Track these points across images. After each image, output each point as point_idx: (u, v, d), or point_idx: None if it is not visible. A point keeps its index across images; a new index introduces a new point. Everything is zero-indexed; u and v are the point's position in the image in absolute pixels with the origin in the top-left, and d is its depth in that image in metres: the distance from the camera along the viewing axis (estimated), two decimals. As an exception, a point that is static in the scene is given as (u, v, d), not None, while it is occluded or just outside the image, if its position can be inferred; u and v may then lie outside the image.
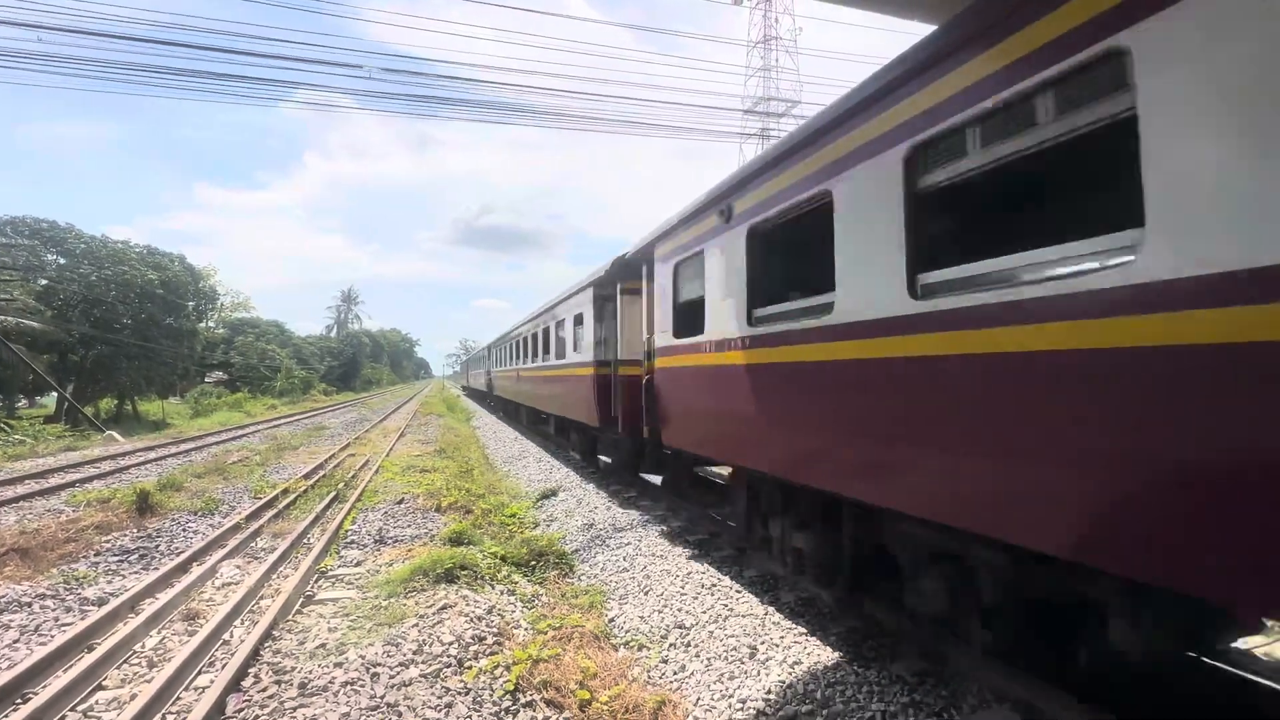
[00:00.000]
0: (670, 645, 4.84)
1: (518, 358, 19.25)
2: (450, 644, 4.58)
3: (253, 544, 7.61)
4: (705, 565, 6.29)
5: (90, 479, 12.02)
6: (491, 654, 4.54)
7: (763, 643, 4.56)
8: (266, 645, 4.69)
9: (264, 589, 5.94)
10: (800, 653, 4.35)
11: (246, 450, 16.60)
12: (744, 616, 4.99)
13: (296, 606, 5.51)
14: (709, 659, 4.51)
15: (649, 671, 4.57)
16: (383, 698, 3.87)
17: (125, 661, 4.53)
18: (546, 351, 14.26)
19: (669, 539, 7.30)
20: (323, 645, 4.64)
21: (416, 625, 4.88)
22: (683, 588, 5.74)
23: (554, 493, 10.71)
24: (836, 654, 4.31)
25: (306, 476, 12.08)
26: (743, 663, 4.36)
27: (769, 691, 3.95)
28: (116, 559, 7.07)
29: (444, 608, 5.22)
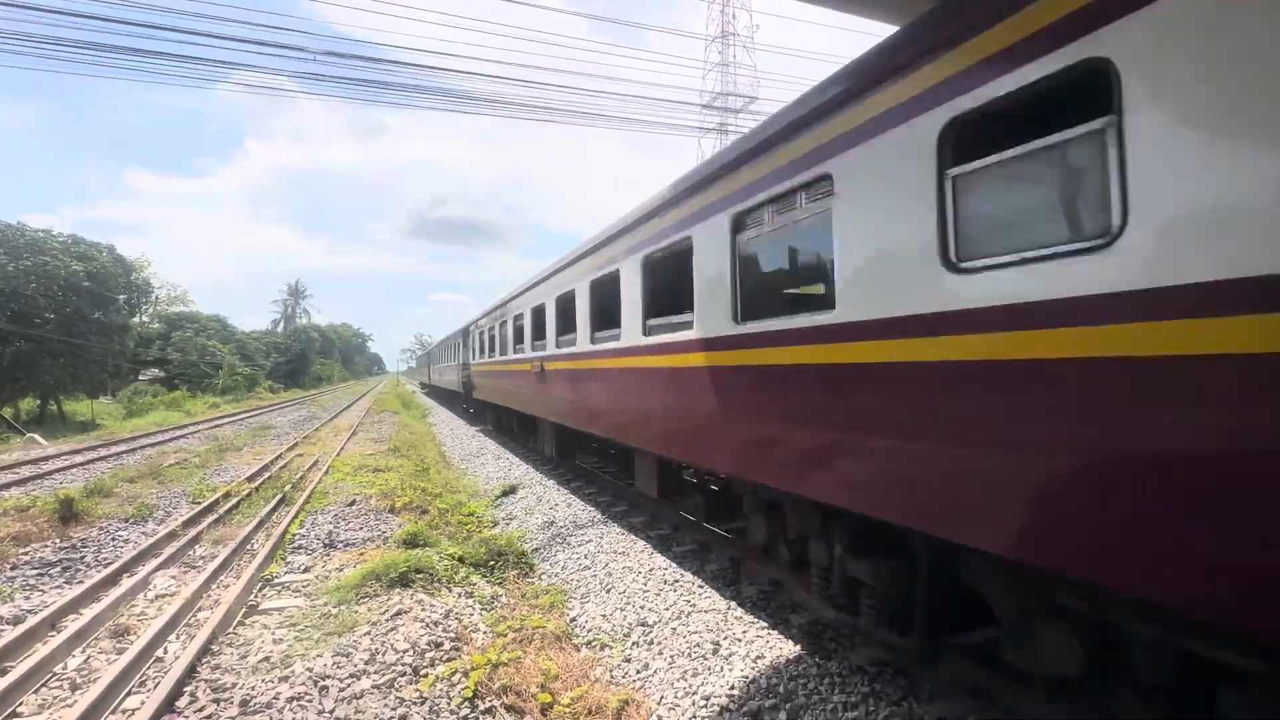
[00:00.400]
0: (633, 644, 4.78)
1: (538, 337, 10.41)
2: (405, 651, 4.40)
3: (190, 552, 7.18)
4: (667, 561, 6.26)
5: (7, 486, 11.16)
6: (449, 660, 4.39)
7: (725, 638, 4.55)
8: (204, 661, 4.41)
9: (202, 600, 5.60)
10: (763, 647, 4.36)
11: (185, 452, 15.74)
12: (706, 612, 4.97)
13: (238, 618, 5.21)
14: (672, 656, 4.47)
15: (612, 671, 4.50)
16: (332, 712, 3.68)
17: (44, 685, 4.18)
18: (663, 306, 6.02)
19: (631, 535, 7.24)
20: (267, 658, 4.39)
21: (369, 633, 4.68)
22: (645, 584, 5.69)
23: (513, 490, 10.52)
24: (798, 647, 4.33)
25: (250, 479, 11.52)
26: (706, 659, 4.34)
27: (732, 687, 3.94)
28: (35, 573, 6.55)
29: (398, 613, 5.02)
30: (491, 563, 6.77)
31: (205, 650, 4.54)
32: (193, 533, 7.74)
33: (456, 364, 24.04)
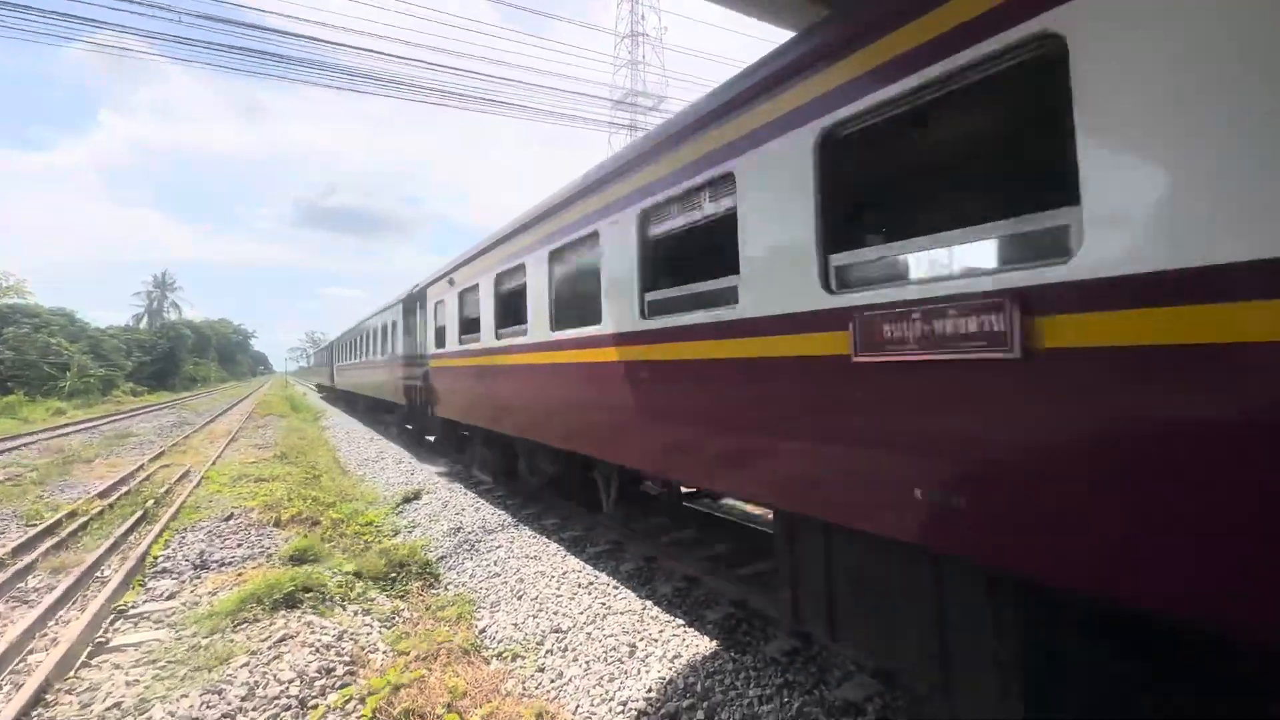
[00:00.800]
0: (547, 652, 4.60)
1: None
2: (291, 681, 3.97)
3: (21, 584, 6.15)
4: (581, 563, 6.11)
5: None
6: (342, 687, 4.01)
7: (642, 639, 4.48)
8: (35, 714, 3.75)
9: (34, 640, 4.78)
10: (679, 645, 4.32)
11: (17, 466, 13.58)
12: (622, 614, 4.88)
13: (82, 658, 4.49)
14: (588, 662, 4.34)
15: (524, 683, 4.29)
16: (199, 760, 3.23)
17: None
18: None
19: (543, 537, 7.02)
20: (117, 704, 3.80)
21: (247, 665, 4.18)
22: (558, 589, 5.51)
23: (417, 495, 9.93)
24: (714, 642, 4.34)
25: (103, 494, 10.11)
26: (622, 662, 4.24)
27: (650, 690, 3.86)
28: None
29: (283, 639, 4.53)
30: (392, 575, 6.32)
31: (37, 700, 3.86)
32: (25, 561, 6.63)
33: (389, 359, 14.98)
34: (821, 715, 3.46)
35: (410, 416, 14.38)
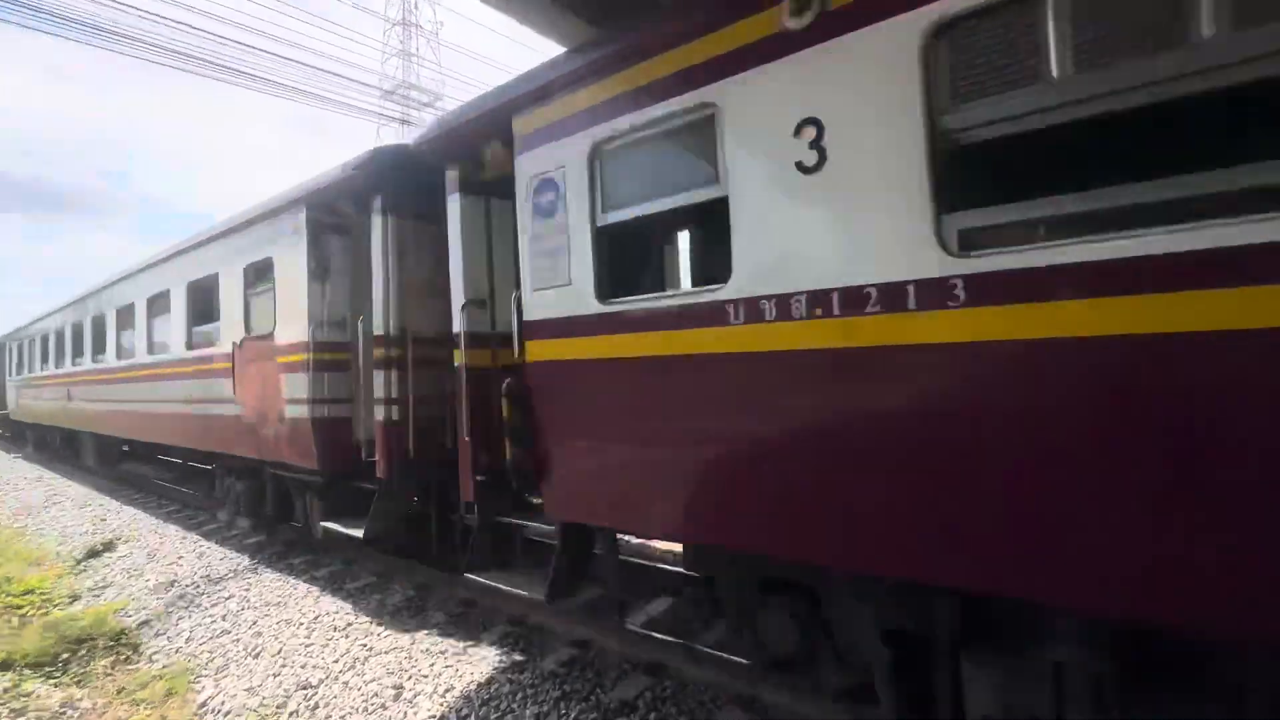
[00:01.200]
0: (291, 714, 3.94)
1: None
2: None
3: None
4: (339, 602, 5.40)
5: None
6: (-32, 826, 2.93)
7: (410, 677, 4.10)
8: None
9: None
10: (453, 676, 4.05)
11: None
12: (386, 653, 4.41)
13: None
14: (343, 717, 3.82)
15: (260, 758, 3.62)
16: None
17: None
18: None
19: (291, 578, 6.05)
20: None
21: None
22: (308, 637, 4.79)
23: (109, 546, 7.83)
24: (489, 666, 4.15)
25: None
26: (386, 708, 3.82)
27: (418, 733, 3.54)
28: None
29: None
30: (65, 655, 4.86)
31: None
32: None
33: (254, 353, 6.37)
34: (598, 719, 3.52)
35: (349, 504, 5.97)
